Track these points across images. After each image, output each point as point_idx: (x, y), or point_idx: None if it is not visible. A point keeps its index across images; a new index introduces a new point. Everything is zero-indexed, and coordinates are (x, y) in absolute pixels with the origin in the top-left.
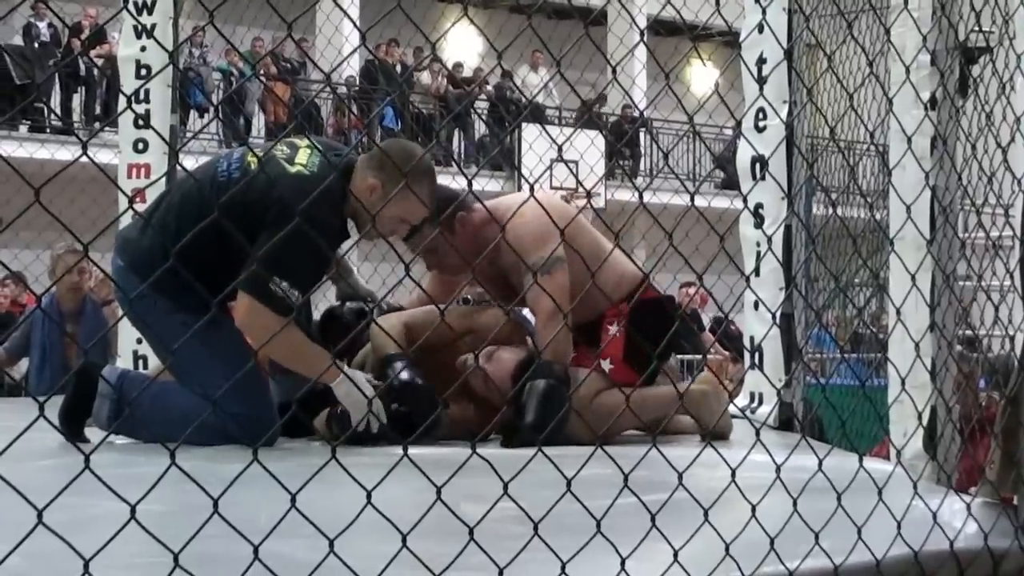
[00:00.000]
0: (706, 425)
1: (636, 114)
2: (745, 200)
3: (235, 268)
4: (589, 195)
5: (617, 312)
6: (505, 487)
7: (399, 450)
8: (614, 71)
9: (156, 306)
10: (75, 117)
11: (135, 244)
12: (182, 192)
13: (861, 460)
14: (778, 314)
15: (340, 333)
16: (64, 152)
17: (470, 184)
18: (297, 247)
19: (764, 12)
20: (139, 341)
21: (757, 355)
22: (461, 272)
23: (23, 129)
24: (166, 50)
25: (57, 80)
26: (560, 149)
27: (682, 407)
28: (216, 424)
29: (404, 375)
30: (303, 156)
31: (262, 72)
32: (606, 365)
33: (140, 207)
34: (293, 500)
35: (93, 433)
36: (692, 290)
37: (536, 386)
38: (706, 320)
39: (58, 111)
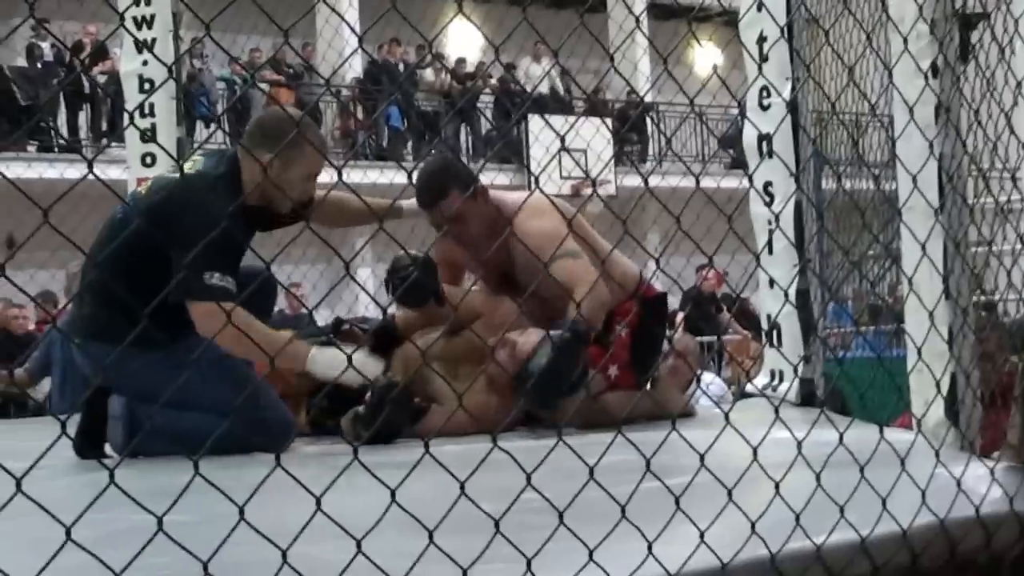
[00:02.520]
0: (672, 410)
1: (642, 100)
2: (751, 179)
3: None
4: (595, 184)
5: (623, 311)
6: (528, 478)
7: (421, 448)
8: (612, 58)
9: (127, 364)
10: (82, 135)
11: (78, 318)
12: (96, 251)
13: (882, 431)
14: (793, 291)
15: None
16: (73, 171)
17: (477, 177)
18: (210, 239)
19: None
20: None
21: (775, 333)
22: (476, 249)
23: (31, 149)
24: (165, 65)
25: (62, 99)
26: (563, 139)
27: (651, 399)
28: (237, 434)
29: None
30: (188, 166)
31: (264, 80)
32: (612, 371)
33: None
34: (318, 503)
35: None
36: (708, 272)
37: (556, 337)
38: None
39: (64, 130)
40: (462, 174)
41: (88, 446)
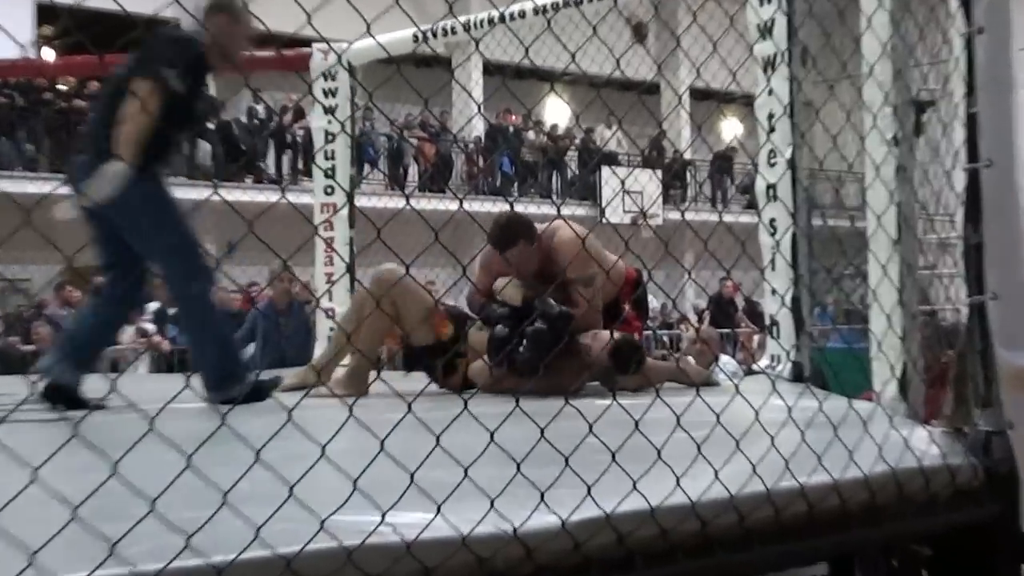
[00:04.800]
0: (696, 381)
1: (683, 157)
2: (760, 216)
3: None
4: (644, 216)
5: (625, 294)
6: (590, 427)
7: (513, 402)
8: (660, 125)
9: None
10: (285, 171)
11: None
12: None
13: (851, 402)
14: (788, 297)
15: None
16: (276, 196)
17: (559, 210)
18: None
19: (769, 80)
20: (332, 329)
21: (775, 327)
22: (528, 270)
23: (248, 180)
24: (339, 122)
25: (272, 145)
26: (624, 183)
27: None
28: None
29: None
30: None
31: (412, 136)
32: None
33: (329, 233)
34: (438, 440)
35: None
36: (729, 283)
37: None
38: (740, 304)
39: (272, 168)
40: (525, 227)
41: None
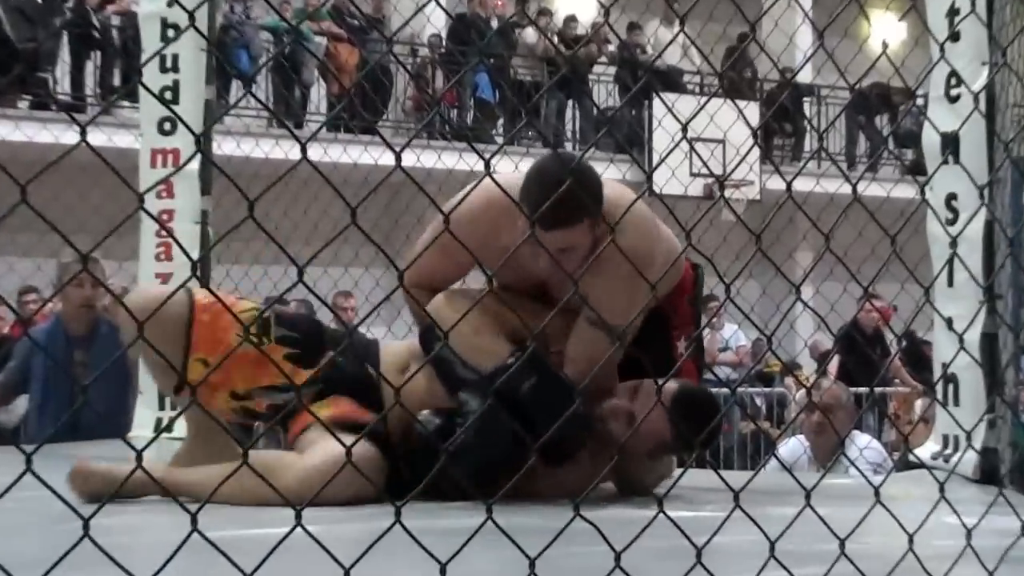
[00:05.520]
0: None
1: (796, 80)
2: (922, 190)
3: None
4: (723, 186)
5: (683, 322)
6: (617, 558)
7: (481, 512)
8: (753, 28)
9: None
10: (88, 91)
11: None
12: None
13: None
14: (976, 335)
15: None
16: (73, 135)
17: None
18: None
19: None
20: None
21: (951, 387)
22: (558, 270)
23: (22, 106)
24: (185, 10)
25: (65, 44)
26: (685, 129)
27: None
28: None
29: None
30: None
31: (318, 34)
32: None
33: (166, 203)
34: (347, 574)
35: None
36: (873, 305)
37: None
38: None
39: (66, 84)
40: (598, 192)
41: None
